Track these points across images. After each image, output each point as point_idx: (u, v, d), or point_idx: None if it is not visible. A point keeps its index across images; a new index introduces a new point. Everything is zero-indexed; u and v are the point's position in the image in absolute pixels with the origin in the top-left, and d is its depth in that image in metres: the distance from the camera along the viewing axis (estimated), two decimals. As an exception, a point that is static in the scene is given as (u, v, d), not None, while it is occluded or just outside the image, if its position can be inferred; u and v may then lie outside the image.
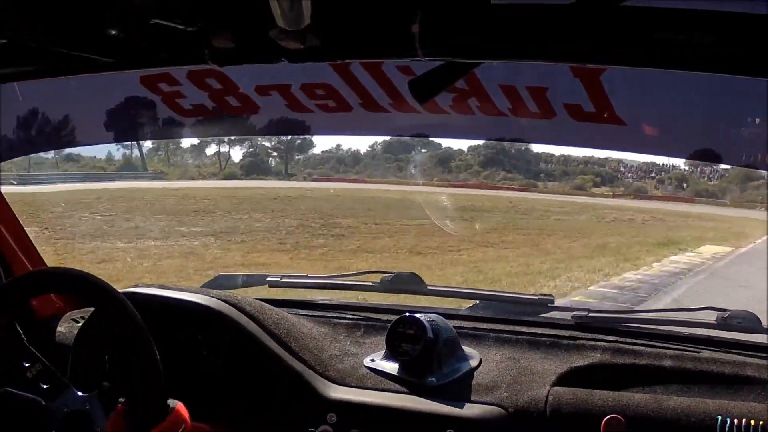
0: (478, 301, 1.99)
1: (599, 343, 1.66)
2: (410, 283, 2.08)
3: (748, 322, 1.69)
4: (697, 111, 1.32)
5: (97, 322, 1.63)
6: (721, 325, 1.70)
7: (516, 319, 1.85)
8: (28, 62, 1.27)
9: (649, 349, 1.62)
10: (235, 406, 1.64)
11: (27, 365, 1.40)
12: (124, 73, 1.48)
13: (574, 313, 1.81)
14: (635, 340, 1.68)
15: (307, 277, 2.24)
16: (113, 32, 1.11)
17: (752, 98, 1.18)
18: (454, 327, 1.71)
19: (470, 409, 1.48)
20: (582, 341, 1.68)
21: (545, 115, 1.39)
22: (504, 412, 1.48)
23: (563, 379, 1.54)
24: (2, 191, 1.88)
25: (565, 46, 0.91)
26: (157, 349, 1.38)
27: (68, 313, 1.89)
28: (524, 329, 1.77)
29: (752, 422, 1.32)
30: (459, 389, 1.55)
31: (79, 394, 1.39)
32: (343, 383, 1.60)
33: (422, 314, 1.65)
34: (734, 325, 1.69)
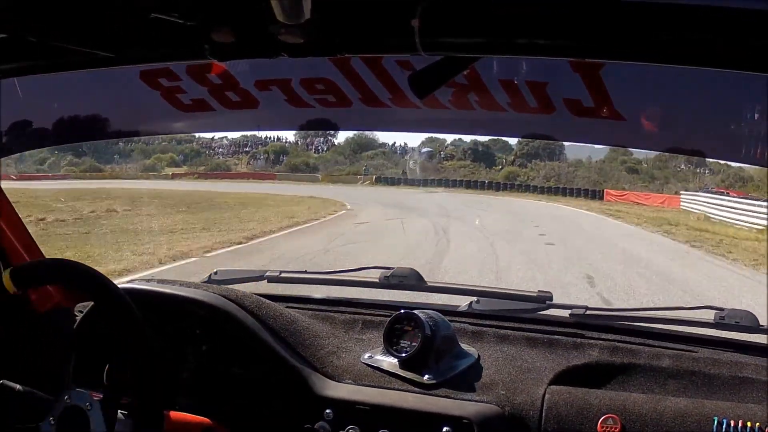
0: (476, 298, 1.99)
1: (597, 341, 1.66)
2: (409, 279, 2.09)
3: (746, 321, 1.70)
4: (697, 106, 1.32)
5: (95, 317, 1.63)
6: (719, 324, 1.71)
7: (514, 317, 1.85)
8: (28, 57, 1.26)
9: (647, 348, 1.62)
10: (232, 401, 1.64)
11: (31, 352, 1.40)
12: (124, 68, 1.47)
13: (573, 310, 1.82)
14: (633, 339, 1.68)
15: (305, 272, 2.24)
16: (113, 27, 1.11)
17: (753, 93, 1.18)
18: (452, 324, 1.71)
19: (467, 408, 1.48)
20: (580, 339, 1.68)
21: (544, 109, 1.39)
22: (500, 411, 1.48)
23: (560, 378, 1.55)
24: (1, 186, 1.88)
25: (566, 41, 0.91)
26: (155, 344, 1.38)
27: (68, 307, 1.90)
28: (522, 326, 1.77)
29: (749, 424, 1.33)
30: (456, 387, 1.55)
31: (78, 390, 1.39)
32: (340, 379, 1.61)
33: (420, 311, 1.66)
34: (732, 325, 1.70)
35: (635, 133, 1.40)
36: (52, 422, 1.34)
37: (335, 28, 1.00)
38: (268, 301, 1.78)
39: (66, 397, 1.35)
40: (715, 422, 1.34)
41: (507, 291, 2.03)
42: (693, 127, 1.36)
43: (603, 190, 42.83)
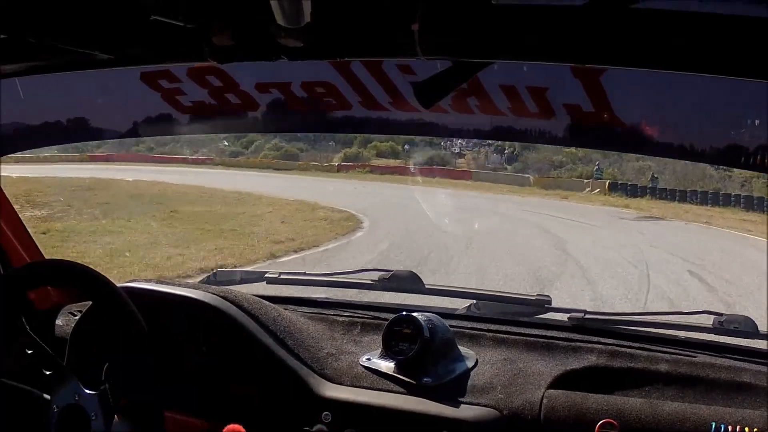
0: (475, 301, 1.99)
1: (595, 345, 1.66)
2: (408, 282, 2.09)
3: (744, 326, 1.70)
4: (699, 112, 1.31)
5: (94, 316, 1.63)
6: (717, 329, 1.71)
7: (513, 320, 1.85)
8: (29, 58, 1.27)
9: (645, 353, 1.62)
10: (230, 402, 1.64)
11: (29, 351, 1.40)
12: (124, 69, 1.48)
13: (571, 314, 1.81)
14: (631, 343, 1.68)
15: (305, 274, 2.24)
16: (113, 28, 1.11)
17: (753, 100, 1.18)
18: (451, 327, 1.71)
19: (465, 411, 1.48)
20: (578, 343, 1.68)
21: (544, 115, 1.39)
22: (498, 414, 1.48)
23: (559, 382, 1.55)
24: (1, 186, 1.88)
25: (567, 47, 0.91)
26: (154, 345, 1.38)
27: (66, 306, 1.89)
28: (521, 330, 1.77)
29: (746, 429, 1.32)
30: (454, 390, 1.55)
31: (78, 386, 1.38)
32: (338, 382, 1.61)
33: (419, 313, 1.65)
34: (731, 330, 1.70)
35: (636, 138, 1.40)
36: (52, 419, 1.34)
37: (335, 32, 1.00)
38: (267, 302, 1.78)
39: (68, 394, 1.35)
40: (713, 427, 1.34)
41: (506, 294, 2.03)
42: (694, 133, 1.36)
43: None
